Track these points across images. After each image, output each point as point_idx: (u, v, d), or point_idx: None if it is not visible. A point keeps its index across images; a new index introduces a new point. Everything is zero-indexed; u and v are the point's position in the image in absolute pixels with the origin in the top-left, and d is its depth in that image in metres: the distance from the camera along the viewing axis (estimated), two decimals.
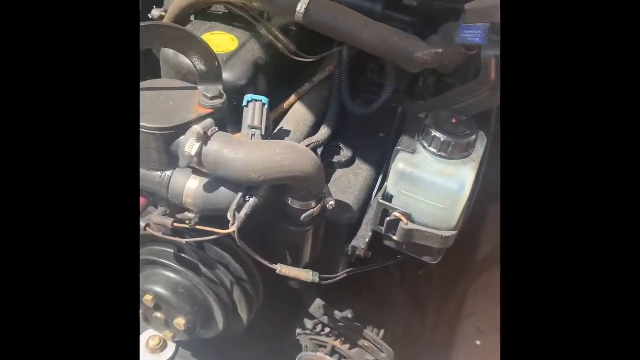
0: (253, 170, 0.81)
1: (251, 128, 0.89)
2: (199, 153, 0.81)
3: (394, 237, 0.90)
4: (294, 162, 0.83)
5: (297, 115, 1.05)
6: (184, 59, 0.97)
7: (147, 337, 1.17)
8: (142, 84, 0.90)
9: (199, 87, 0.89)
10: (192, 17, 1.14)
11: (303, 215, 0.89)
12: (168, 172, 0.88)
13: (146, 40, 0.83)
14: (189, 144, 0.81)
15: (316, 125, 1.06)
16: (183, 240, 0.93)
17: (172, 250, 1.03)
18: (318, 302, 1.13)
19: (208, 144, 0.82)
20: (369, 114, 1.06)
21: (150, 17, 1.26)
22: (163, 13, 1.24)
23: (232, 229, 0.84)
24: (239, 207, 0.85)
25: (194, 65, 0.87)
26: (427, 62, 0.94)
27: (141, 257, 1.06)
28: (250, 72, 0.99)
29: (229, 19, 1.08)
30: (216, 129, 0.84)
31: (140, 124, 0.83)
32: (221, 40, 1.01)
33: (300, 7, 0.93)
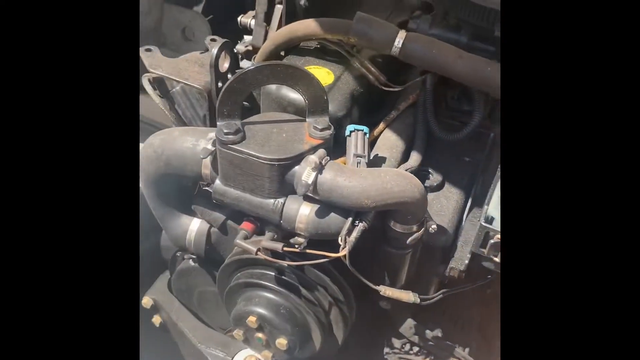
0: (366, 197, 0.86)
1: (357, 157, 0.95)
2: (314, 182, 0.87)
3: (496, 259, 0.93)
4: (404, 189, 0.88)
5: (389, 142, 1.10)
6: (285, 93, 1.04)
7: (244, 356, 1.22)
8: (253, 118, 0.97)
9: (307, 119, 0.95)
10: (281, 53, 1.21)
11: (409, 239, 0.94)
12: (281, 200, 0.94)
13: (264, 79, 0.90)
14: (306, 174, 0.87)
15: (406, 151, 1.11)
16: (295, 264, 0.98)
17: (273, 273, 1.08)
18: (410, 321, 1.16)
19: (323, 173, 0.88)
20: (458, 140, 1.10)
21: (235, 51, 1.33)
22: (250, 48, 1.32)
23: (344, 252, 0.89)
24: (349, 232, 0.90)
25: (305, 100, 0.94)
26: None
27: (241, 280, 1.11)
28: (348, 104, 1.05)
29: (322, 54, 1.14)
30: (329, 158, 0.90)
31: (258, 155, 0.89)
32: (318, 74, 1.07)
33: (398, 42, 0.99)
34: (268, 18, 1.25)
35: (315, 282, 1.07)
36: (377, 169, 0.92)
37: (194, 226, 1.19)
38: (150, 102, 2.09)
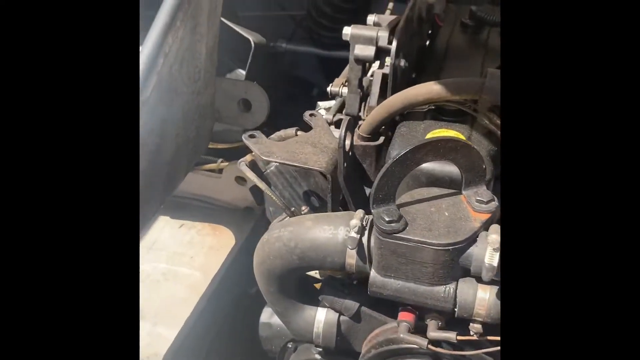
0: None
1: None
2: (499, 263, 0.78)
3: None
4: None
5: None
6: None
7: None
8: (404, 198, 0.88)
9: (464, 191, 0.87)
10: None
11: None
12: (451, 285, 0.84)
13: (423, 157, 0.82)
14: (488, 256, 0.78)
15: None
16: (474, 353, 0.88)
17: None
18: None
19: None
20: None
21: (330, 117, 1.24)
22: (341, 117, 1.24)
23: None
24: None
25: (461, 172, 0.85)
26: None
27: None
28: (490, 166, 0.96)
29: (437, 114, 1.07)
30: None
31: (430, 241, 0.80)
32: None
33: None
34: (361, 84, 1.19)
35: None
36: None
37: (320, 316, 1.09)
38: (214, 182, 2.01)
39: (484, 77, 0.94)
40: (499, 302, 0.82)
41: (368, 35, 1.12)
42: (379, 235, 0.83)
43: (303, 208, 1.18)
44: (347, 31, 1.15)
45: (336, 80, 1.26)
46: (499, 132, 1.02)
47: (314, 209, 1.18)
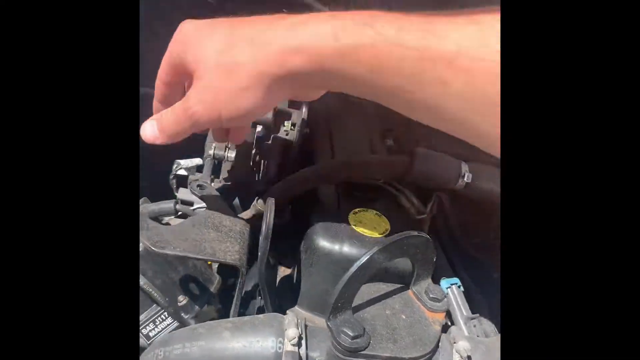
0: None
1: (470, 319, 0.81)
2: None
3: None
4: None
5: None
6: (348, 252, 0.84)
7: None
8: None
9: (413, 288, 0.78)
10: None
11: None
12: None
13: (388, 257, 0.70)
14: None
15: None
16: None
17: None
18: None
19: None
20: None
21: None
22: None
23: None
24: None
25: (415, 267, 0.77)
26: None
27: None
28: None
29: (350, 189, 0.97)
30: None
31: (402, 357, 0.69)
32: (369, 218, 0.90)
33: (468, 177, 0.89)
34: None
35: None
36: None
37: None
38: None
39: (412, 157, 0.88)
40: None
41: None
42: (338, 353, 0.68)
43: (180, 298, 0.96)
44: None
45: (213, 143, 1.07)
46: (412, 210, 0.97)
47: (193, 299, 0.97)
